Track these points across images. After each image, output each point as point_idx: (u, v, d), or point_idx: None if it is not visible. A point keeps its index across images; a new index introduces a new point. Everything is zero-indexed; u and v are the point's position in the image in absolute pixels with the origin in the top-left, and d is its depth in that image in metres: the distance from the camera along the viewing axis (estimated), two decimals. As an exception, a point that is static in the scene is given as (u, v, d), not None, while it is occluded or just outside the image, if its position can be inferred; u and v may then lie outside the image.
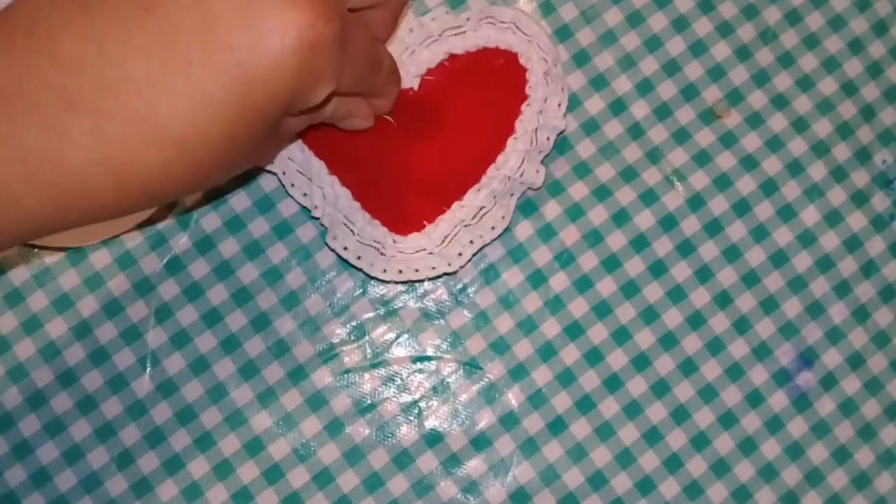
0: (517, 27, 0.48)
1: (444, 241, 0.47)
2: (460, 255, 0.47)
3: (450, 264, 0.47)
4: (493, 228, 0.47)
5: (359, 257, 0.47)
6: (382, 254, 0.47)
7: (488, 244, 0.48)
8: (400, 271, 0.47)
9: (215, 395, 0.48)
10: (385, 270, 0.47)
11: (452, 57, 0.48)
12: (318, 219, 0.48)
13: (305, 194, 0.47)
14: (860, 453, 0.49)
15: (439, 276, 0.48)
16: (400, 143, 0.48)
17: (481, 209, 0.47)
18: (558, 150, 0.50)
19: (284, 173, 0.47)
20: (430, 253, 0.47)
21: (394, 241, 0.47)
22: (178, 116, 0.32)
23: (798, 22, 0.52)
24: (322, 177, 0.47)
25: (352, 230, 0.47)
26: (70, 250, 0.48)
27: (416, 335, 0.49)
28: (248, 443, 0.47)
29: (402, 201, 0.48)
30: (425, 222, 0.47)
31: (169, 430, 0.47)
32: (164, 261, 0.49)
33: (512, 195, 0.48)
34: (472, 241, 0.47)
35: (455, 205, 0.47)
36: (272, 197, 0.49)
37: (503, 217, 0.47)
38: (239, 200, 0.49)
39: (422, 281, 0.49)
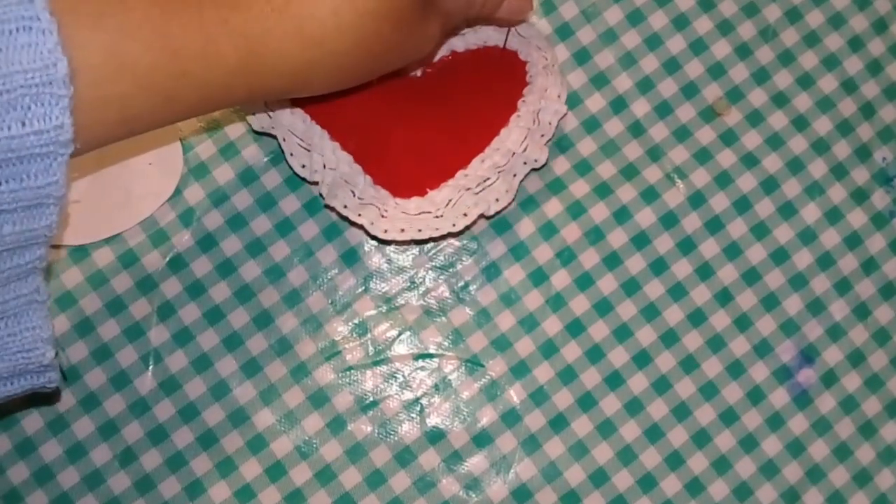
0: (516, 30, 0.48)
1: (447, 204, 0.46)
2: (465, 215, 0.46)
3: (454, 224, 0.46)
4: (497, 200, 0.47)
5: (359, 214, 0.46)
6: (383, 215, 0.46)
7: (492, 216, 0.48)
8: (402, 230, 0.46)
9: (217, 393, 0.48)
10: (386, 230, 0.46)
11: (454, 53, 0.49)
12: (315, 183, 0.47)
13: (304, 165, 0.47)
14: (861, 450, 0.49)
15: (443, 237, 0.48)
16: (404, 115, 0.48)
17: (486, 180, 0.47)
18: (559, 148, 0.50)
19: (285, 139, 0.47)
20: (435, 216, 0.46)
21: (396, 204, 0.47)
22: None
23: (798, 20, 0.52)
24: (324, 143, 0.47)
25: (353, 191, 0.46)
26: (72, 248, 0.49)
27: (417, 332, 0.49)
28: (250, 440, 0.48)
29: (405, 169, 0.47)
30: (428, 189, 0.47)
31: (171, 427, 0.47)
32: (167, 258, 0.49)
33: (515, 175, 0.48)
34: (476, 204, 0.46)
35: (459, 173, 0.47)
36: (274, 195, 0.49)
37: (507, 191, 0.47)
38: (241, 198, 0.49)
39: (425, 241, 0.48)
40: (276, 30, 0.37)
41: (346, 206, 0.46)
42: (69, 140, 0.32)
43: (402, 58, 0.42)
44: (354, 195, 0.46)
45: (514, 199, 0.48)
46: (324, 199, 0.47)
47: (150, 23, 0.34)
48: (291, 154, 0.47)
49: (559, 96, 0.48)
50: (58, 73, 0.31)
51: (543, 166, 0.49)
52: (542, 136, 0.48)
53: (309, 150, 0.47)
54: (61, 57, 0.31)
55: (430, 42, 0.43)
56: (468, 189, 0.46)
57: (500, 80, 0.48)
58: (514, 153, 0.47)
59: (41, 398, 0.47)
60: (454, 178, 0.47)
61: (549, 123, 0.48)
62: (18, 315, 0.36)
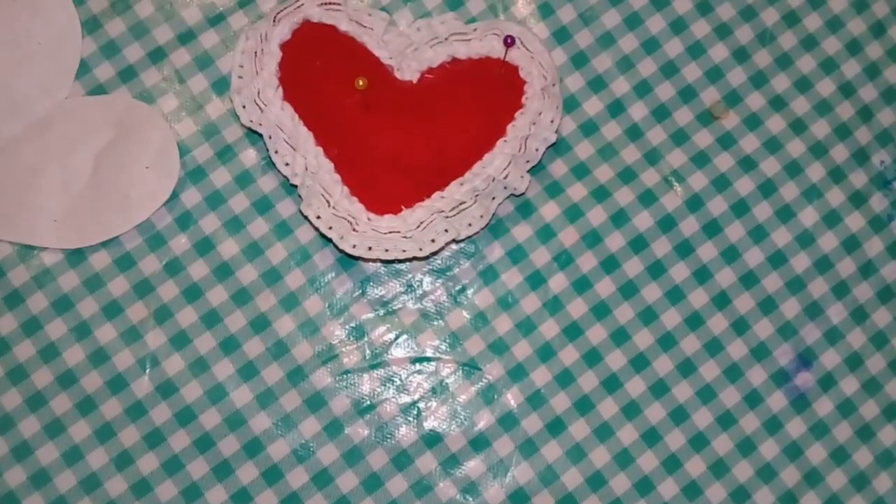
0: (522, 43, 0.48)
1: (419, 226, 0.47)
2: (433, 241, 0.47)
3: (421, 249, 0.47)
4: (469, 225, 0.47)
5: (330, 227, 0.47)
6: (355, 229, 0.47)
7: (462, 240, 0.48)
8: (370, 248, 0.46)
9: (214, 396, 0.48)
10: (355, 246, 0.46)
11: (455, 60, 0.49)
12: (296, 187, 0.48)
13: (287, 164, 0.48)
14: (859, 454, 0.49)
15: (409, 260, 0.48)
16: (390, 128, 0.48)
17: (461, 204, 0.47)
18: (556, 152, 0.50)
19: (271, 137, 0.48)
20: (404, 236, 0.47)
21: (368, 219, 0.47)
22: None
23: (796, 23, 0.52)
24: (308, 147, 0.47)
25: (328, 201, 0.47)
26: (69, 251, 0.48)
27: (415, 336, 0.49)
28: (247, 443, 0.47)
29: (383, 183, 0.48)
30: (403, 207, 0.47)
31: (168, 431, 0.47)
32: (164, 262, 0.49)
33: (493, 198, 0.48)
34: (446, 230, 0.47)
35: (435, 195, 0.47)
36: (271, 198, 0.49)
37: (481, 216, 0.47)
38: (238, 201, 0.49)
39: (391, 262, 0.49)
40: None
41: (318, 217, 0.47)
42: None
43: None
44: (329, 205, 0.47)
45: (488, 224, 0.48)
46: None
47: None
48: (276, 151, 0.48)
49: (552, 122, 0.48)
50: None
51: (522, 194, 0.49)
52: (528, 161, 0.48)
53: (294, 149, 0.47)
54: None
55: None
56: (441, 212, 0.47)
57: (495, 98, 0.48)
58: (494, 179, 0.47)
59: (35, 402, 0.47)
60: (430, 198, 0.47)
61: (536, 150, 0.48)
62: None
